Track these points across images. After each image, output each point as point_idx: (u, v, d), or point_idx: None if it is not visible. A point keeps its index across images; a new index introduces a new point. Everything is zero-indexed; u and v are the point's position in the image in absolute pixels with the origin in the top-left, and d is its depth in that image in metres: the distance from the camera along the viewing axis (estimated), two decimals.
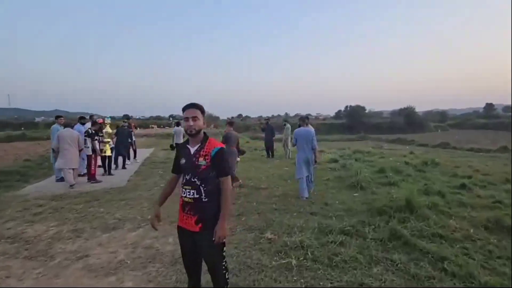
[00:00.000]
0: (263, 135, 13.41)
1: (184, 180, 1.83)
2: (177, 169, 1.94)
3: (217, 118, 59.25)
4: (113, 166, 7.89)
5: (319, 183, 6.33)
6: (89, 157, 6.55)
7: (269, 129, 11.13)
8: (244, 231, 3.60)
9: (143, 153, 12.22)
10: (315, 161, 5.37)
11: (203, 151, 1.79)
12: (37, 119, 69.14)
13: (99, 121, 7.19)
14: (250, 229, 3.67)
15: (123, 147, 8.41)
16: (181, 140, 11.47)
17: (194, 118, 1.78)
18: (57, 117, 7.38)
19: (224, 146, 1.91)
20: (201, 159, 1.78)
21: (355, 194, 5.43)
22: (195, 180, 1.77)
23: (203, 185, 1.76)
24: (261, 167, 8.90)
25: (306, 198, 5.05)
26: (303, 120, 5.63)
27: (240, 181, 6.31)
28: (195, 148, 1.83)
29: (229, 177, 1.82)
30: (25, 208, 4.64)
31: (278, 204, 4.76)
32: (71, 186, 6.00)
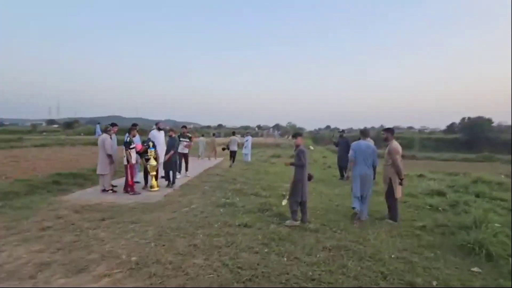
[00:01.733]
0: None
1: None
2: None
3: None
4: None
5: (407, 233, 4.08)
6: (125, 167, 6.23)
7: (344, 143, 8.98)
8: None
9: (207, 164, 11.91)
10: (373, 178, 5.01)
11: None
12: (154, 127, 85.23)
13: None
14: None
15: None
16: (236, 148, 12.66)
17: None
18: (113, 124, 7.41)
19: None
20: None
21: (473, 269, 3.03)
22: None
23: None
24: (324, 192, 6.95)
25: (360, 219, 4.62)
26: (364, 133, 5.16)
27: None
28: None
29: None
30: (43, 219, 4.36)
31: (323, 268, 2.93)
32: (103, 191, 6.16)
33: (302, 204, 4.44)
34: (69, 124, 51.43)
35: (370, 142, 5.28)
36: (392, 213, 4.62)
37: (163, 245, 3.41)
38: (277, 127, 70.95)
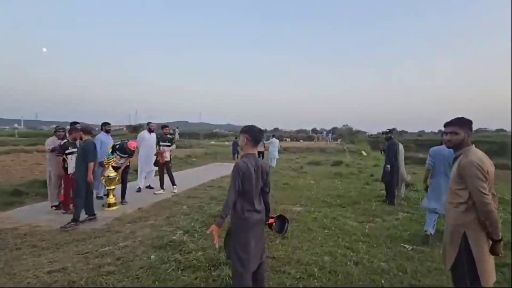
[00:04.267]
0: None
1: None
2: None
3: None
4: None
5: None
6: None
7: (392, 148, 6.05)
8: None
9: (220, 171, 10.16)
10: None
11: None
12: (214, 130, 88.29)
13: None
14: None
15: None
16: (262, 149, 11.93)
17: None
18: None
19: None
20: None
21: None
22: None
23: None
24: (346, 230, 4.38)
25: (431, 234, 3.80)
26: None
27: None
28: None
29: None
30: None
31: None
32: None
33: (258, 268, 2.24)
34: (135, 128, 56.35)
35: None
36: None
37: None
38: (333, 130, 66.12)
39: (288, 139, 43.05)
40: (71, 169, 4.71)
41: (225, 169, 11.35)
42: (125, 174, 5.53)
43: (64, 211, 4.82)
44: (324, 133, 63.48)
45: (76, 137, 4.76)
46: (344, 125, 53.86)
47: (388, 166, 5.93)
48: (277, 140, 13.41)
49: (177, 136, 31.54)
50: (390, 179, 5.95)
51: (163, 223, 4.39)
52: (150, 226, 4.26)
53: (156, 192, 6.21)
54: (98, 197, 5.61)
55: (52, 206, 4.99)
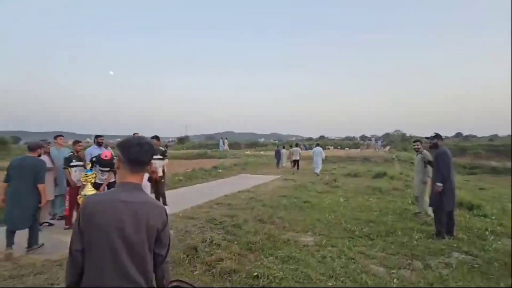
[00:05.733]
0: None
1: None
2: None
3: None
4: None
5: None
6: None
7: (443, 159, 4.37)
8: None
9: (241, 184, 9.24)
10: None
11: None
12: (259, 140, 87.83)
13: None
14: None
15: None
16: (298, 157, 14.34)
17: None
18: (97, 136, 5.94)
19: None
20: None
21: None
22: None
23: None
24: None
25: None
26: None
27: None
28: None
29: None
30: None
31: None
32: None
33: None
34: (181, 140, 59.31)
35: None
36: None
37: None
38: (385, 137, 60.53)
39: (331, 147, 40.45)
40: (75, 182, 4.74)
41: (249, 181, 10.46)
42: None
43: (67, 227, 4.67)
44: (373, 139, 58.52)
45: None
46: (396, 131, 48.58)
47: (440, 184, 4.33)
48: (321, 148, 13.62)
49: (226, 147, 31.88)
50: (440, 202, 4.34)
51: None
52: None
53: None
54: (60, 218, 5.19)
55: (42, 223, 4.70)
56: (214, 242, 3.93)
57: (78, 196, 4.48)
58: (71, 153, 4.91)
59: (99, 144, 5.49)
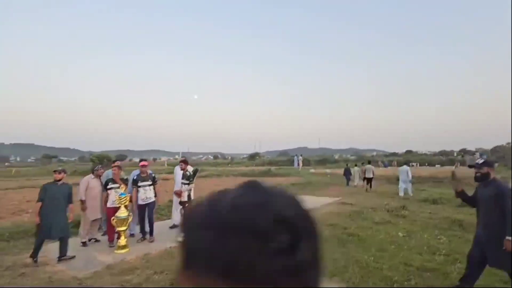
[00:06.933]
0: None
1: None
2: None
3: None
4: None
5: None
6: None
7: (493, 189, 2.95)
8: None
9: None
10: None
11: None
12: (335, 156, 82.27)
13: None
14: None
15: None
16: (371, 175, 13.70)
17: None
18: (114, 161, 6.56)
19: None
20: None
21: None
22: None
23: None
24: None
25: None
26: None
27: None
28: None
29: None
30: None
31: None
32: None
33: None
34: (252, 156, 61.66)
35: None
36: None
37: None
38: (494, 151, 49.61)
39: (415, 164, 34.91)
40: (110, 203, 5.16)
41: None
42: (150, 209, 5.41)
43: (109, 243, 5.15)
44: (477, 154, 47.80)
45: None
46: (508, 143, 38.57)
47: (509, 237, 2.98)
48: (407, 167, 12.69)
49: (300, 164, 30.60)
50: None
51: (140, 281, 3.68)
52: (123, 283, 3.63)
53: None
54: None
55: (90, 239, 5.34)
56: None
57: (112, 219, 4.91)
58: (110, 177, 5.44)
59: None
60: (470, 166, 3.45)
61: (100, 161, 25.14)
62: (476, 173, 3.16)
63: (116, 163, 5.62)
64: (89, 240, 5.35)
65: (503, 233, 2.79)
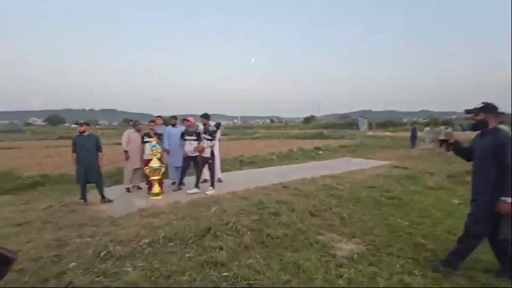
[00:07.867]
0: None
1: None
2: None
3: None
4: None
5: None
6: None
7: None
8: None
9: (330, 168, 8.18)
10: None
11: None
12: (405, 119, 74.74)
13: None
14: None
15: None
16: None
17: None
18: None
19: None
20: None
21: None
22: None
23: None
24: None
25: None
26: None
27: None
28: None
29: None
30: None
31: None
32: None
33: None
34: (307, 119, 60.18)
35: None
36: None
37: None
38: None
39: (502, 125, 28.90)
40: (146, 156, 5.64)
41: (348, 165, 9.19)
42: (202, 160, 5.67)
43: (148, 191, 5.57)
44: None
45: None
46: None
47: (508, 199, 2.23)
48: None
49: (366, 127, 29.23)
50: None
51: (161, 224, 3.96)
52: (146, 225, 3.95)
53: (188, 192, 5.58)
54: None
55: (126, 188, 5.96)
56: (235, 227, 3.68)
57: (145, 167, 5.30)
58: (147, 132, 5.81)
59: (173, 125, 6.30)
60: (467, 111, 2.65)
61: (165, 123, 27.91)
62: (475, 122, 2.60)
63: (157, 120, 6.18)
64: (133, 187, 5.97)
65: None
